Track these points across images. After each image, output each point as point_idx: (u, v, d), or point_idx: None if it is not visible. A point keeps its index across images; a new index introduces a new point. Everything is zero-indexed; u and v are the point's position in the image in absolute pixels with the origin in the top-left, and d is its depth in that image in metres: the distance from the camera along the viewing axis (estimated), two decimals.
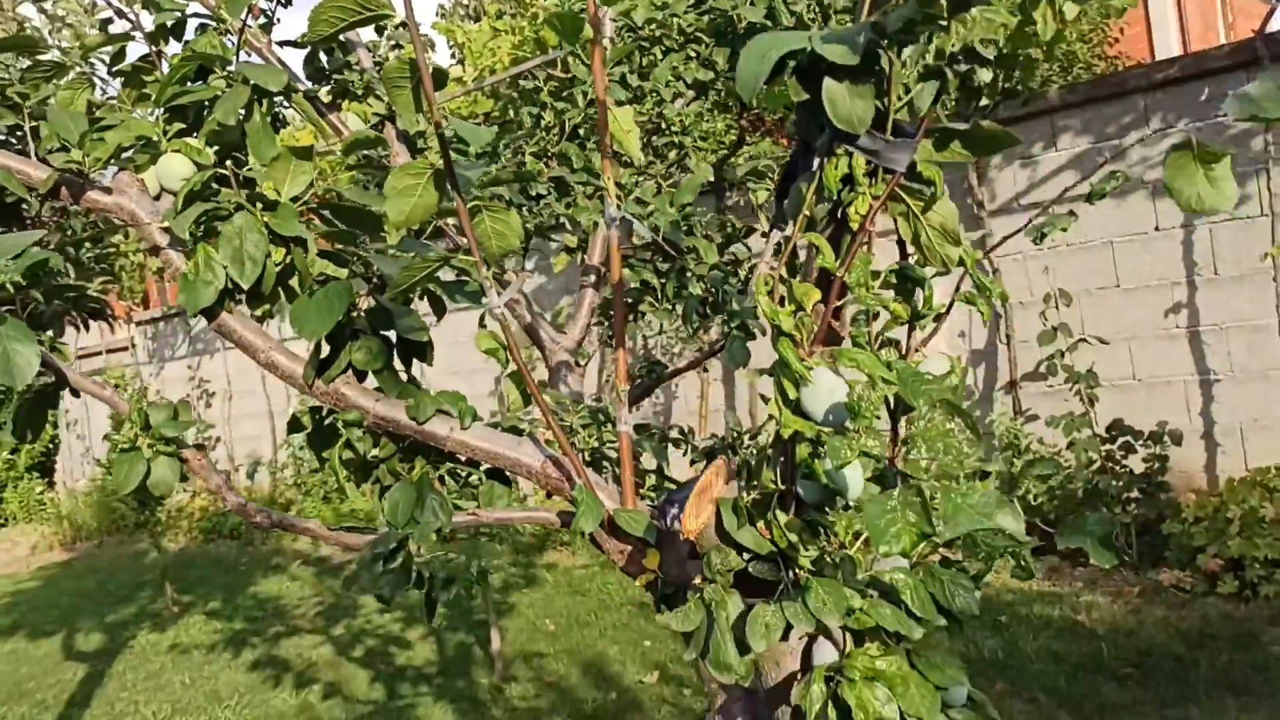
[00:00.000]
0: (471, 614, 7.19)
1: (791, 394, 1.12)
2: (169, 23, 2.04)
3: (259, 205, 1.72)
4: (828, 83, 1.00)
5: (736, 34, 2.35)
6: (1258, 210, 6.07)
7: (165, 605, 8.52)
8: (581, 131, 2.53)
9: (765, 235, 2.46)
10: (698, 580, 1.34)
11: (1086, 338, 6.51)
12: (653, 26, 2.45)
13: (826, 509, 1.23)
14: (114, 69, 1.99)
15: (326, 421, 2.04)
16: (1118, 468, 6.16)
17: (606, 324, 2.34)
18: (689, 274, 2.18)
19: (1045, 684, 4.83)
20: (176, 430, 1.65)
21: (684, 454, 1.99)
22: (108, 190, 1.79)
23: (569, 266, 2.77)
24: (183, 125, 1.88)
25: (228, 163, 1.74)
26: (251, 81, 1.86)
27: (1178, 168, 1.15)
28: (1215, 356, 6.28)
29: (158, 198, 1.86)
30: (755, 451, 1.29)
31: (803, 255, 1.22)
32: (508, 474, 1.80)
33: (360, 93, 2.28)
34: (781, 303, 1.14)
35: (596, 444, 1.85)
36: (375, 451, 1.79)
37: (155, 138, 1.84)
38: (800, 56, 1.01)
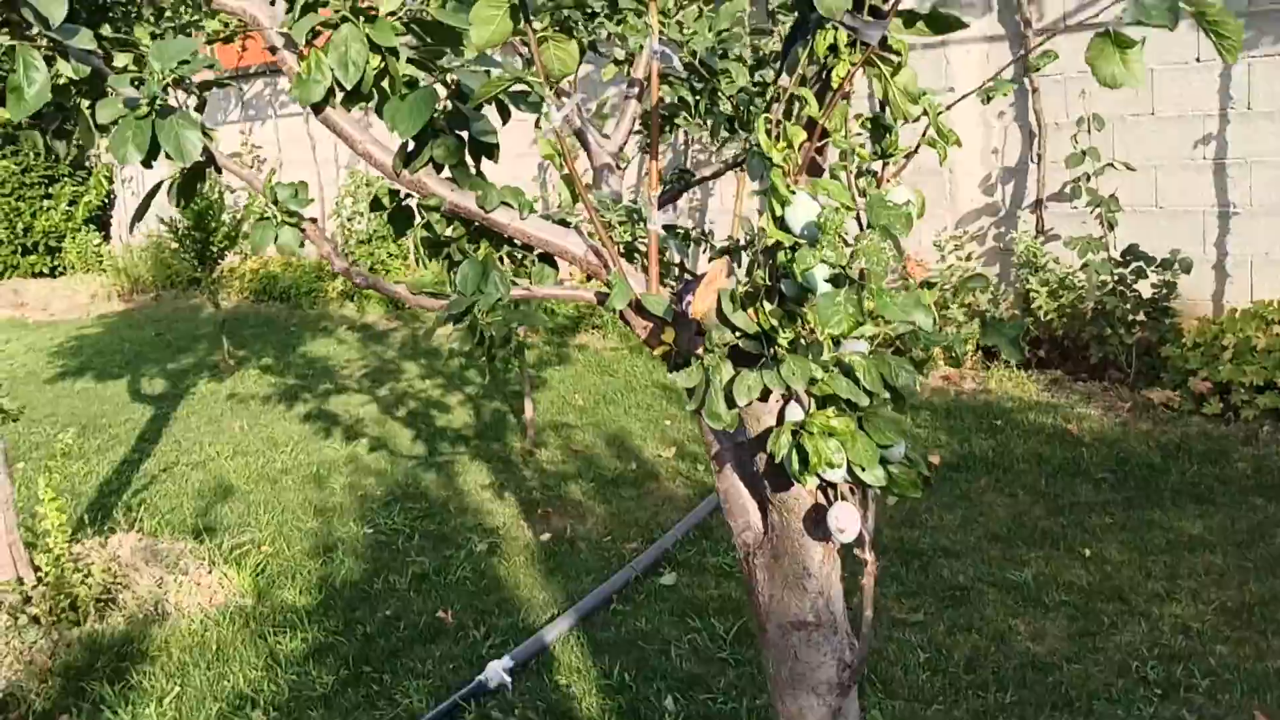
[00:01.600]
0: (508, 384, 7.73)
1: (778, 211, 1.48)
2: None
3: (361, 18, 2.04)
4: None
5: None
6: None
7: (222, 358, 9.13)
8: None
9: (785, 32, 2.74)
10: (700, 351, 1.73)
11: (1114, 162, 6.70)
12: None
13: (801, 302, 1.60)
14: None
15: (404, 203, 2.41)
16: (1128, 291, 6.47)
17: (646, 132, 2.65)
18: (720, 93, 2.48)
19: (1026, 483, 5.31)
20: (299, 205, 2.03)
21: (703, 250, 2.35)
22: None
23: (617, 76, 3.06)
24: None
25: None
26: None
27: (1098, 50, 1.46)
28: (1237, 190, 6.49)
29: (273, 2, 2.18)
30: (750, 254, 1.65)
31: (798, 105, 1.55)
32: (555, 258, 2.18)
33: None
34: (776, 140, 1.48)
35: (630, 238, 2.22)
36: (448, 232, 2.17)
37: None
38: None
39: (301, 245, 2.07)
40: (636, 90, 2.66)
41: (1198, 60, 6.53)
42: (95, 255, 15.03)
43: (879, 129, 1.55)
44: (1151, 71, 6.67)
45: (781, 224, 1.50)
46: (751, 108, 2.53)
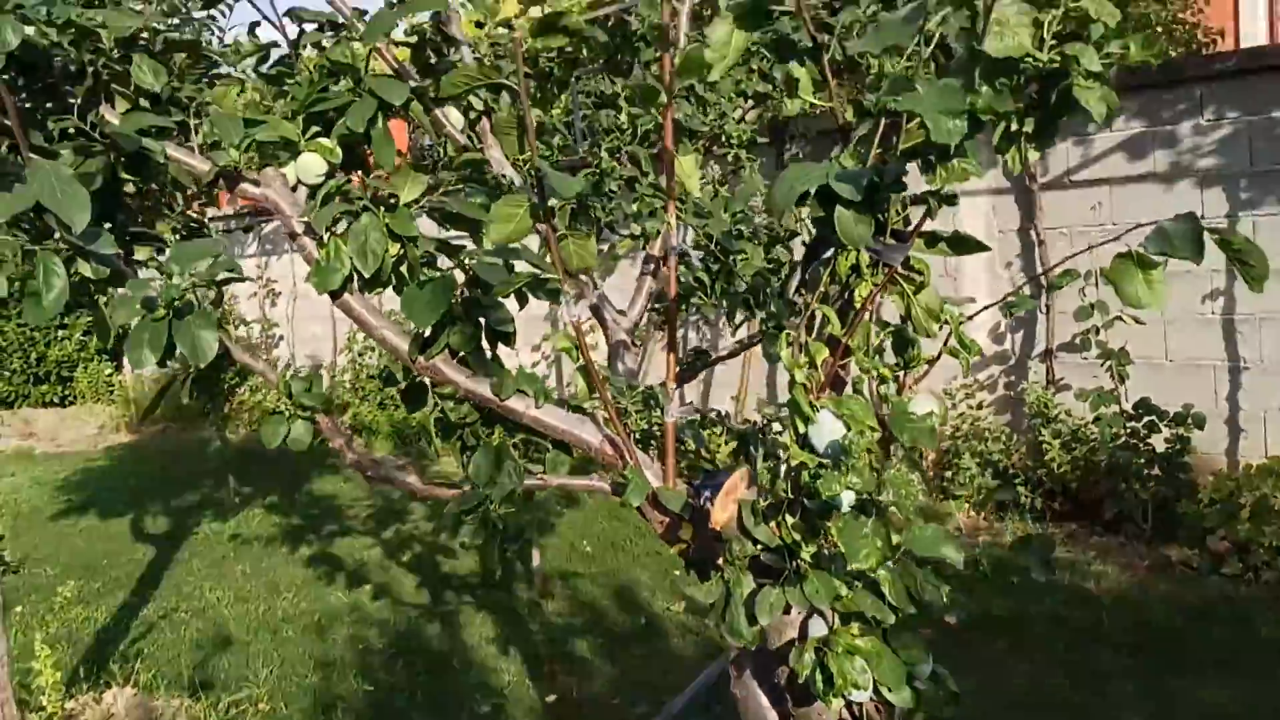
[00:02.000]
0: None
1: (801, 429, 1.46)
2: (309, 31, 2.36)
3: (381, 208, 2.05)
4: (839, 210, 1.31)
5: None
6: None
7: (227, 495, 9.06)
8: (651, 133, 2.84)
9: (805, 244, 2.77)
10: (720, 561, 1.69)
11: (1123, 316, 6.72)
12: None
13: (824, 516, 1.57)
14: (259, 70, 2.33)
15: (418, 379, 2.40)
16: (1141, 444, 6.42)
17: (660, 310, 2.66)
18: (736, 274, 2.49)
19: (1046, 647, 5.18)
20: (313, 401, 2.01)
21: (720, 434, 2.33)
22: (256, 182, 2.14)
23: (632, 250, 3.07)
24: (317, 128, 2.22)
25: (356, 173, 2.07)
26: (378, 95, 2.20)
27: (1120, 271, 1.45)
28: (1247, 346, 6.49)
29: (294, 189, 2.20)
30: (769, 466, 1.62)
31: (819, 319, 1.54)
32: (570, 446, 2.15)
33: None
34: (798, 357, 1.47)
35: (646, 425, 2.19)
36: (462, 415, 2.15)
37: (295, 138, 2.18)
38: (820, 184, 1.32)
39: (314, 440, 2.04)
40: (651, 267, 2.67)
41: (1202, 218, 6.59)
42: (106, 385, 15.09)
43: (901, 341, 1.54)
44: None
45: (804, 442, 1.47)
46: (767, 289, 2.55)
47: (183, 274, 1.73)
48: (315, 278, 2.05)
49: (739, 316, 2.59)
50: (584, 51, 4.03)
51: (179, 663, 5.59)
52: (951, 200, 1.38)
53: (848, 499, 1.49)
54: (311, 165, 2.19)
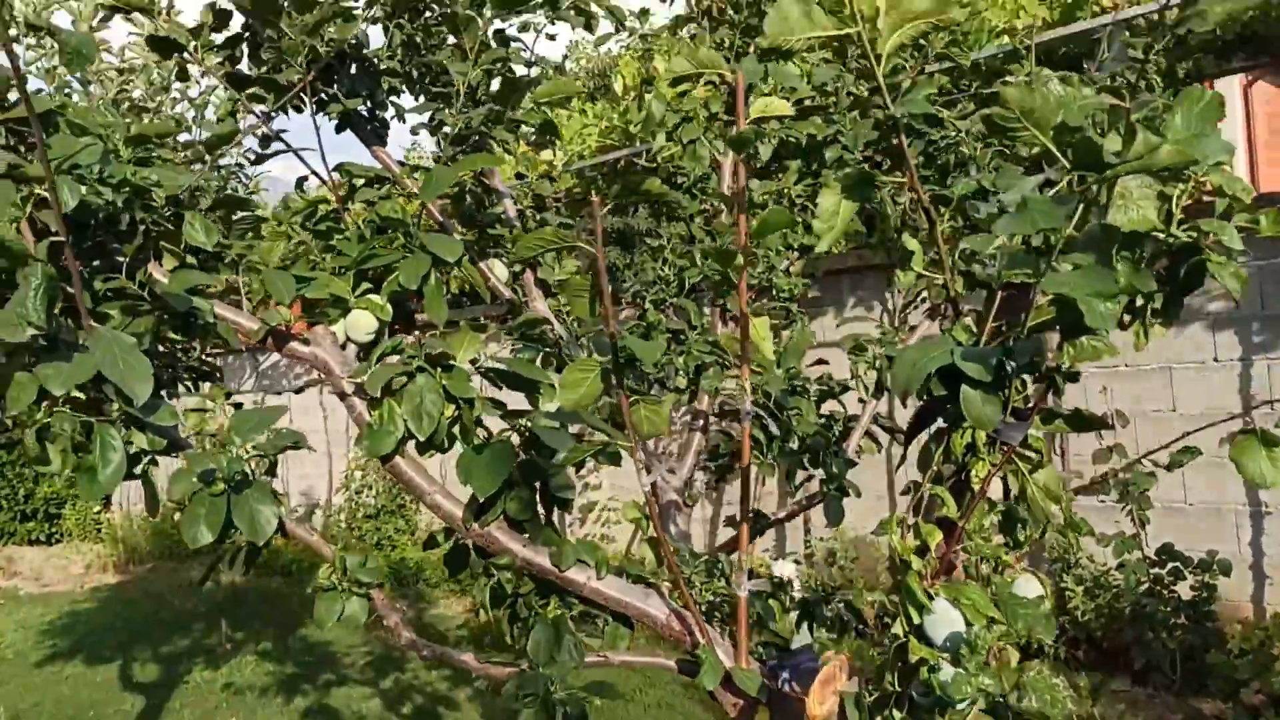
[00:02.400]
0: None
1: (915, 619, 1.35)
2: (358, 186, 2.32)
3: (438, 369, 1.98)
4: (965, 389, 1.24)
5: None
6: None
7: (219, 642, 8.78)
8: (702, 284, 2.80)
9: (863, 401, 2.71)
10: None
11: (1142, 460, 6.64)
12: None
13: (937, 713, 1.45)
14: (308, 224, 2.28)
15: (460, 542, 2.29)
16: (1166, 592, 6.27)
17: (710, 468, 2.59)
18: (793, 432, 2.42)
19: None
20: (370, 577, 1.90)
21: (784, 606, 2.22)
22: (306, 342, 2.06)
23: (678, 405, 3.01)
24: (368, 285, 2.16)
25: (413, 332, 2.00)
26: (430, 250, 2.14)
27: (1243, 449, 1.37)
28: (1269, 490, 6.39)
29: (344, 346, 2.13)
30: (876, 654, 1.51)
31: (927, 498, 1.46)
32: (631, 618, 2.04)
33: (509, 245, 2.56)
34: (910, 541, 1.37)
35: (711, 597, 2.08)
36: (519, 587, 2.03)
37: (345, 295, 2.12)
38: (943, 362, 1.25)
39: (370, 617, 1.92)
40: (700, 423, 2.59)
41: (1215, 360, 6.59)
42: (94, 523, 14.81)
43: (1009, 521, 1.45)
44: (1170, 370, 6.72)
45: (920, 634, 1.36)
46: (825, 451, 2.47)
47: (243, 445, 1.65)
48: (368, 441, 1.96)
49: (798, 475, 2.51)
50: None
51: None
52: (1074, 377, 1.31)
53: (968, 700, 1.38)
54: (362, 323, 2.12)
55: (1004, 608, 1.37)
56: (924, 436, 1.50)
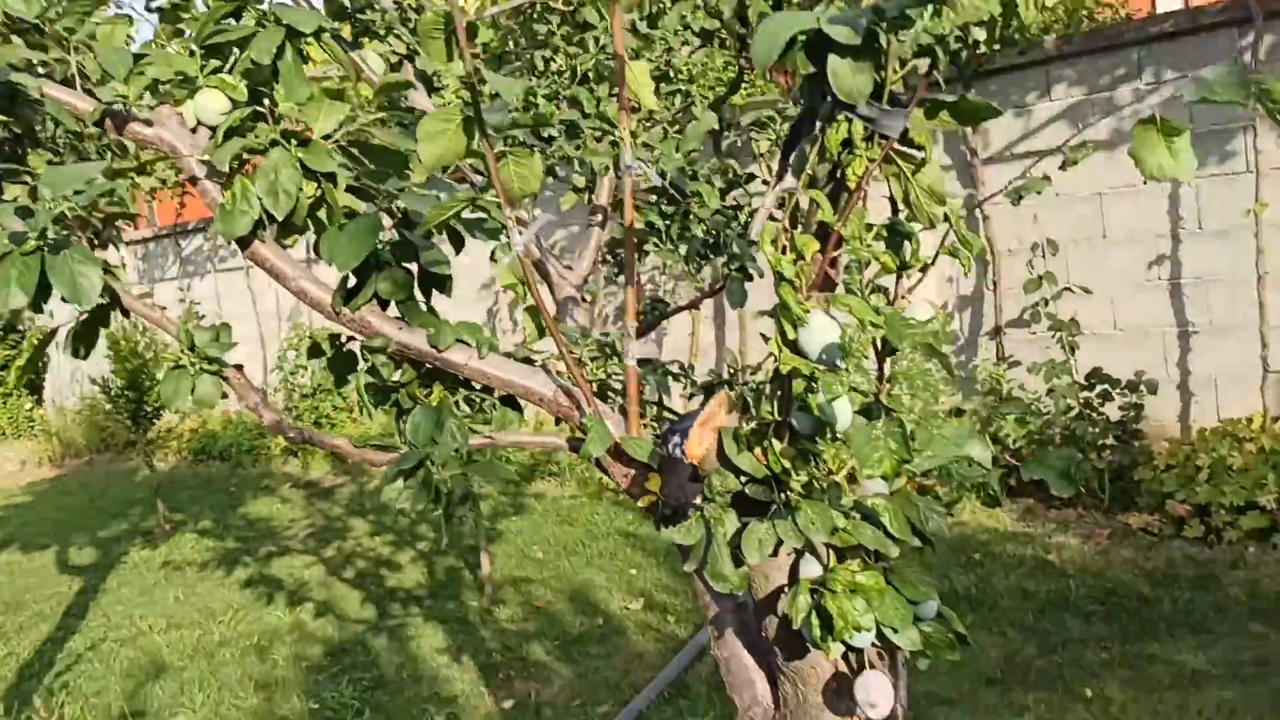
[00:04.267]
0: (461, 539, 7.36)
1: (790, 334, 1.26)
2: None
3: (293, 141, 1.82)
4: (832, 59, 1.12)
5: None
6: (1243, 167, 6.18)
7: (157, 523, 8.68)
8: (591, 75, 2.63)
9: (767, 183, 2.58)
10: (698, 500, 1.48)
11: (1071, 286, 6.64)
12: None
13: (817, 438, 1.37)
14: (151, 5, 2.08)
15: (345, 348, 2.17)
16: (1095, 414, 6.33)
17: (610, 262, 2.46)
18: (692, 216, 2.29)
19: (1015, 619, 5.03)
20: (219, 350, 1.77)
21: (684, 389, 2.13)
22: (149, 123, 1.89)
23: (576, 205, 2.88)
24: (218, 63, 1.98)
25: (264, 100, 1.84)
26: (285, 22, 1.96)
27: (1142, 140, 1.27)
28: (1194, 309, 6.44)
29: (194, 130, 1.96)
30: (753, 386, 1.42)
31: (804, 207, 1.34)
32: (519, 401, 1.94)
33: (382, 32, 2.38)
34: (784, 251, 1.27)
35: (603, 376, 1.99)
36: (396, 376, 1.92)
37: (193, 74, 1.94)
38: (809, 34, 1.13)
39: (224, 397, 1.80)
40: (600, 218, 2.46)
41: (1144, 183, 6.54)
42: (27, 420, 14.55)
43: (895, 236, 1.34)
44: (1100, 196, 6.68)
45: (795, 348, 1.27)
46: (726, 231, 2.35)
47: (55, 200, 1.49)
48: (219, 223, 1.81)
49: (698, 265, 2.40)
50: None
51: (108, 693, 5.26)
52: (956, 58, 1.19)
53: (844, 412, 1.29)
54: (212, 104, 1.95)
55: (889, 329, 1.27)
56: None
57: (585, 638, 5.42)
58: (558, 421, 1.96)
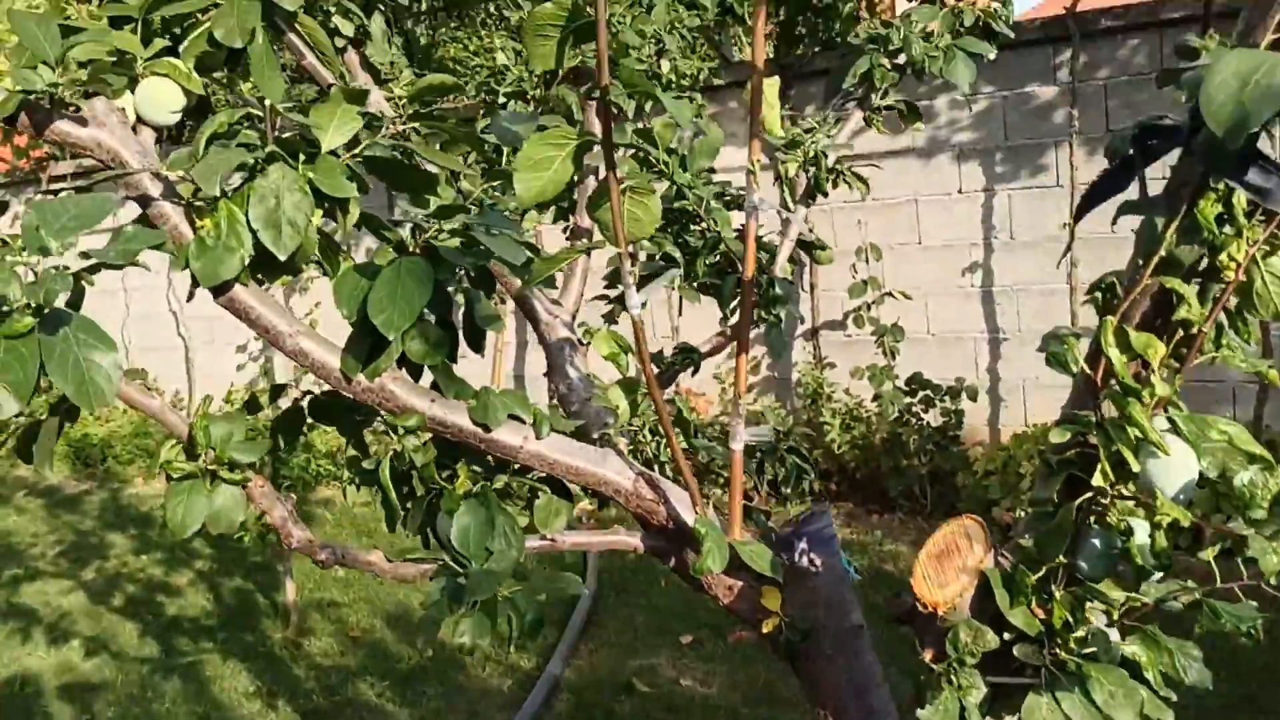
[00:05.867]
0: (245, 557, 6.68)
1: (1135, 465, 0.96)
2: None
3: (299, 156, 1.36)
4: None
5: None
6: (1053, 181, 6.37)
7: None
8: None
9: (783, 210, 2.27)
10: (926, 656, 1.16)
11: (893, 292, 6.68)
12: None
13: (1101, 580, 1.08)
14: None
15: (298, 404, 1.71)
16: (916, 420, 6.39)
17: (611, 300, 2.07)
18: (725, 242, 1.92)
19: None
20: (247, 455, 1.29)
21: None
22: (82, 121, 1.38)
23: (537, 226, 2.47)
24: (165, 43, 1.48)
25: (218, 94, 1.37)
26: None
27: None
28: (1005, 316, 6.60)
29: (134, 129, 1.46)
30: (1023, 516, 1.12)
31: (1120, 293, 1.05)
32: (579, 488, 1.55)
33: (331, 9, 1.90)
34: (1123, 353, 0.97)
35: (655, 454, 1.63)
36: (417, 457, 1.49)
37: (135, 52, 1.43)
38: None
39: (246, 519, 1.33)
40: (585, 241, 2.08)
41: (960, 191, 6.65)
42: None
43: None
44: (916, 201, 6.75)
45: (1126, 473, 0.97)
46: (764, 273, 2.02)
47: (61, 251, 0.98)
48: (198, 263, 1.32)
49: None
50: None
51: None
52: None
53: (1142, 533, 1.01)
54: (161, 96, 1.45)
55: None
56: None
57: (417, 674, 4.95)
58: (603, 504, 1.59)
